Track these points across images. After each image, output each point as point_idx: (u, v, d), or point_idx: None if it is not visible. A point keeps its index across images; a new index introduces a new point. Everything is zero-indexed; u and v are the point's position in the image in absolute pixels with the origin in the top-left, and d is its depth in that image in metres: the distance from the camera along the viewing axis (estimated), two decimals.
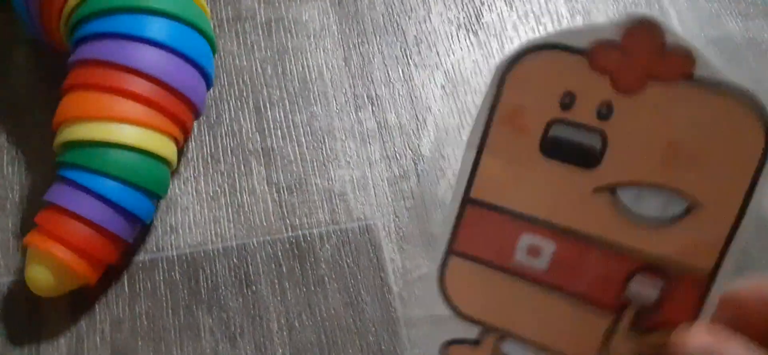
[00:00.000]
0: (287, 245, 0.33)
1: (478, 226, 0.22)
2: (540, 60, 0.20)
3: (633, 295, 0.21)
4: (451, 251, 0.22)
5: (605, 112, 0.20)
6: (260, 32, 0.39)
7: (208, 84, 0.33)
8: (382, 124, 0.37)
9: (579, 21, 0.42)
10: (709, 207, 0.20)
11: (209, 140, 0.36)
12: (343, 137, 0.37)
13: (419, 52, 0.40)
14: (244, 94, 0.37)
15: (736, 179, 0.20)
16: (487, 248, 0.22)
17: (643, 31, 0.19)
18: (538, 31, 0.42)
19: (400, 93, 0.38)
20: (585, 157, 0.20)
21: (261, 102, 0.37)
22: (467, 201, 0.22)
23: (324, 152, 0.36)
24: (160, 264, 0.32)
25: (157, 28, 0.31)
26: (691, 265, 0.20)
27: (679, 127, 0.20)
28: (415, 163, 0.36)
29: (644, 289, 0.21)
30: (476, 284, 0.22)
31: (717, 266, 0.20)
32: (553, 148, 0.21)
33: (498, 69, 0.21)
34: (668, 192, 0.20)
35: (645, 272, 0.21)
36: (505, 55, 0.20)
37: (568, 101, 0.20)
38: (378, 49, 0.40)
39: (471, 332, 0.22)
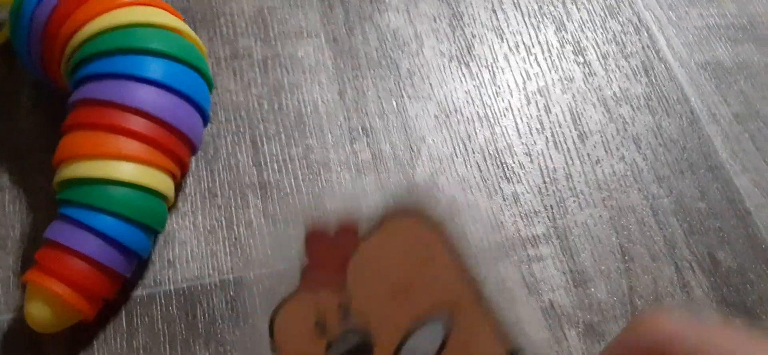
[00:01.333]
0: (284, 278, 0.34)
1: None
2: (283, 317, 0.24)
3: None
4: None
5: (345, 311, 0.23)
6: (257, 69, 0.40)
7: (205, 121, 0.34)
8: (377, 156, 0.38)
9: (569, 50, 0.43)
10: (458, 313, 0.22)
11: (207, 175, 0.36)
12: (339, 169, 0.37)
13: (412, 84, 0.41)
14: (241, 129, 0.38)
15: (452, 277, 0.22)
16: None
17: (316, 239, 0.23)
18: (529, 61, 0.42)
19: (394, 124, 0.39)
20: (363, 351, 0.23)
21: (258, 137, 0.38)
22: None
23: (320, 184, 0.37)
24: (158, 299, 0.33)
25: (154, 67, 0.32)
26: None
27: (386, 274, 0.23)
28: (409, 193, 0.37)
29: None
30: None
31: (510, 344, 0.22)
32: None
33: (268, 344, 0.24)
34: (425, 325, 0.23)
35: None
36: (265, 330, 0.24)
37: (320, 328, 0.23)
38: (372, 82, 0.40)
39: None
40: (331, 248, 0.23)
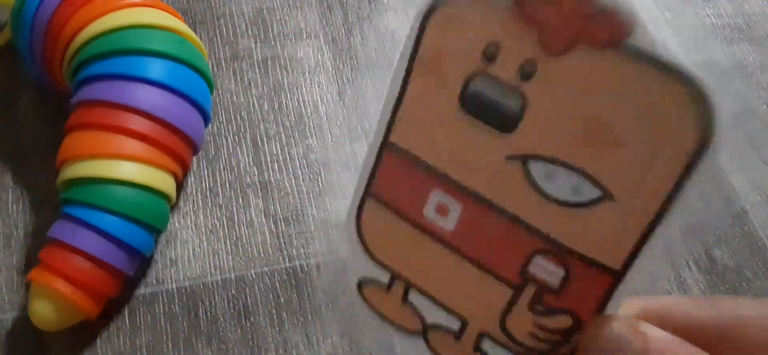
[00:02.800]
0: (285, 276, 0.34)
1: (394, 173, 0.21)
2: (464, 6, 0.18)
3: (533, 274, 0.19)
4: (368, 192, 0.21)
5: (528, 71, 0.18)
6: (257, 70, 0.40)
7: (206, 121, 0.34)
8: None
9: None
10: (623, 202, 0.18)
11: (208, 175, 0.37)
12: (339, 169, 0.38)
13: None
14: (242, 129, 0.38)
15: (659, 173, 0.17)
16: (400, 197, 0.21)
17: None
18: None
19: None
20: (501, 119, 0.19)
21: (258, 137, 0.38)
22: (386, 145, 0.20)
23: (320, 184, 0.37)
24: (161, 297, 0.33)
25: (156, 68, 0.32)
26: (597, 260, 0.19)
27: (603, 102, 0.17)
28: None
29: (543, 273, 0.19)
30: (388, 231, 0.21)
31: (626, 266, 0.18)
32: (472, 103, 0.19)
33: (420, 10, 0.19)
34: (581, 176, 0.18)
35: (547, 255, 0.19)
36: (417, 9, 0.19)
37: (491, 52, 0.18)
38: (371, 82, 0.41)
39: (383, 276, 0.22)
40: (584, 13, 0.17)
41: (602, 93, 0.17)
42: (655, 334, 0.18)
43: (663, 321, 0.19)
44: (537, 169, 0.19)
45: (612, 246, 0.18)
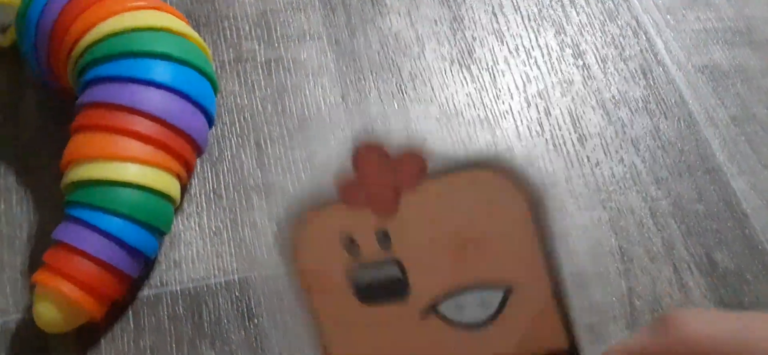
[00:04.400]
0: (289, 279, 0.34)
1: None
2: (308, 226, 0.20)
3: None
4: None
5: (383, 238, 0.20)
6: (260, 72, 0.40)
7: (211, 123, 0.34)
8: None
9: (568, 53, 0.44)
10: (520, 286, 0.19)
11: (212, 177, 0.37)
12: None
13: (414, 87, 0.41)
14: (246, 131, 0.38)
15: (525, 248, 0.19)
16: None
17: (370, 154, 0.19)
18: (529, 64, 0.43)
19: (396, 127, 0.39)
20: (394, 289, 0.20)
21: (262, 139, 0.38)
22: None
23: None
24: (164, 299, 0.33)
25: (161, 71, 0.32)
26: (548, 350, 0.20)
27: (448, 220, 0.19)
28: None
29: None
30: None
31: (572, 337, 0.19)
32: (365, 293, 0.20)
33: (282, 249, 0.21)
34: (479, 289, 0.20)
35: None
36: (278, 232, 0.21)
37: (349, 245, 0.20)
38: (374, 85, 0.41)
39: None
40: (387, 169, 0.19)
41: (445, 214, 0.19)
42: None
43: None
44: (447, 308, 0.20)
45: (548, 328, 0.20)
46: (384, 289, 0.20)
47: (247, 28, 0.42)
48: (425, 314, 0.20)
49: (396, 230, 0.20)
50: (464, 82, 0.42)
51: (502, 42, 0.44)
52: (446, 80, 0.42)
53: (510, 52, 0.43)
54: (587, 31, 0.45)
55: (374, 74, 0.41)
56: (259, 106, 0.39)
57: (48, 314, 0.29)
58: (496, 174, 0.19)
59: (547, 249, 0.19)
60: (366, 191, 0.20)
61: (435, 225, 0.20)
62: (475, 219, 0.19)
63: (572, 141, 0.40)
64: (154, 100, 0.32)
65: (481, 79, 0.42)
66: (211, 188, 0.36)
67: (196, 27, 0.41)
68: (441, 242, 0.20)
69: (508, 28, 0.44)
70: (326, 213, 0.20)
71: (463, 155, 0.19)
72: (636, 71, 0.44)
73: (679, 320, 0.19)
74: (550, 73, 0.43)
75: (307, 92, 0.40)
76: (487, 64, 0.43)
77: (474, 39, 0.43)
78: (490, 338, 0.20)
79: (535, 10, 0.45)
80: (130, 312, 0.32)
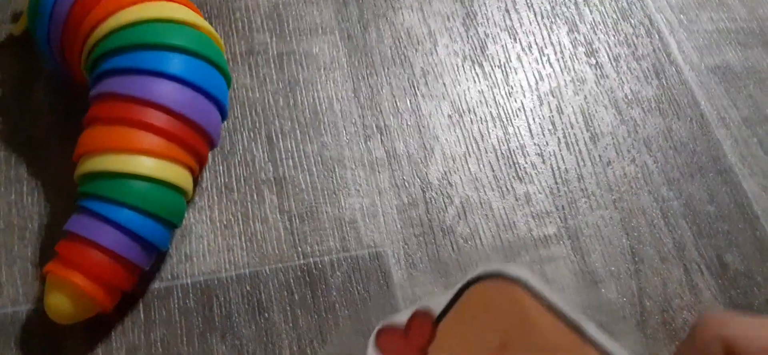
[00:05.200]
0: (299, 273, 0.34)
1: None
2: None
3: None
4: None
5: None
6: (272, 65, 0.40)
7: (224, 116, 0.34)
8: (391, 154, 0.38)
9: (581, 52, 0.43)
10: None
11: (223, 170, 0.36)
12: (353, 166, 0.38)
13: (426, 83, 0.41)
14: (257, 125, 0.38)
15: (542, 323, 0.22)
16: None
17: (387, 337, 0.23)
18: (542, 62, 0.43)
19: (408, 123, 0.39)
20: None
21: (273, 133, 0.38)
22: None
23: (334, 181, 0.37)
24: (175, 292, 0.33)
25: (175, 63, 0.32)
26: None
27: (473, 347, 0.22)
28: (423, 191, 0.37)
29: None
30: None
31: None
32: None
33: None
34: None
35: None
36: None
37: None
38: (386, 80, 0.41)
39: None
40: (405, 339, 0.23)
41: (469, 343, 0.22)
42: None
43: None
44: None
45: None
46: None
47: (259, 20, 0.42)
48: None
49: None
50: (476, 78, 0.42)
51: (515, 39, 0.43)
52: (458, 77, 0.41)
53: (523, 49, 0.43)
54: (600, 29, 0.45)
55: (386, 69, 0.41)
56: (271, 99, 0.39)
57: (59, 305, 0.29)
58: (485, 284, 0.22)
59: (563, 315, 0.22)
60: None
61: (468, 348, 0.23)
62: (498, 324, 0.22)
63: (584, 140, 0.40)
64: (167, 92, 0.32)
65: (493, 76, 0.42)
66: (222, 181, 0.36)
67: (208, 18, 0.41)
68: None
69: (520, 25, 0.44)
70: None
71: (452, 291, 0.22)
72: (649, 71, 0.43)
73: (714, 320, 0.20)
74: (562, 72, 0.43)
75: (319, 87, 0.40)
76: (500, 61, 0.42)
77: (487, 36, 0.43)
78: None
79: (548, 8, 0.45)
80: (141, 305, 0.32)
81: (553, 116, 0.41)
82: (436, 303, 0.23)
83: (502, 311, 0.22)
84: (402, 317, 0.23)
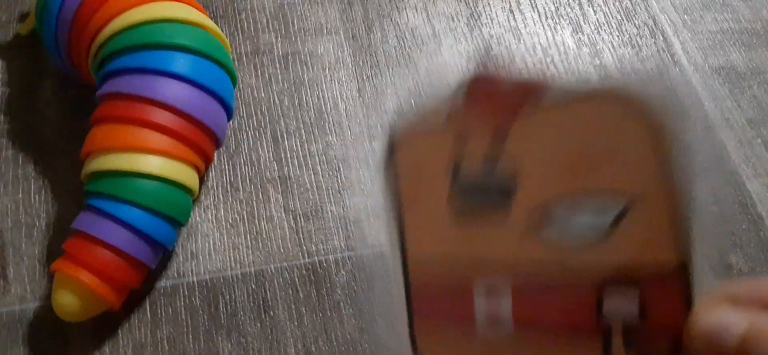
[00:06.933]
0: (304, 271, 0.34)
1: (429, 288, 0.21)
2: (415, 146, 0.20)
3: (612, 314, 0.19)
4: (412, 318, 0.22)
5: (492, 164, 0.20)
6: (277, 65, 0.40)
7: (229, 115, 0.35)
8: None
9: (585, 52, 0.43)
10: (640, 200, 0.19)
11: (229, 169, 0.37)
12: (358, 166, 0.38)
13: (430, 83, 0.41)
14: (262, 124, 0.38)
15: (645, 166, 0.19)
16: (447, 309, 0.21)
17: (483, 81, 0.20)
18: (545, 62, 0.43)
19: None
20: (500, 197, 0.20)
21: (278, 132, 0.38)
22: (408, 272, 0.21)
23: (339, 180, 0.37)
24: (181, 290, 0.33)
25: (181, 63, 0.32)
26: (655, 262, 0.19)
27: (563, 143, 0.19)
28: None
29: (620, 304, 0.19)
30: (451, 346, 0.21)
31: (683, 255, 0.19)
32: (468, 198, 0.20)
33: (381, 162, 0.21)
34: (597, 197, 0.19)
35: (614, 287, 0.19)
36: (381, 151, 0.21)
37: (456, 172, 0.20)
38: (391, 80, 0.41)
39: None
40: (501, 95, 0.19)
41: (561, 138, 0.19)
42: (757, 321, 0.18)
43: (752, 301, 0.18)
44: (558, 210, 0.19)
45: (658, 244, 0.19)
46: (489, 194, 0.20)
47: (264, 20, 0.42)
48: (530, 221, 0.20)
49: (507, 148, 0.20)
50: None
51: (520, 40, 0.43)
52: (463, 77, 0.42)
53: (526, 50, 0.43)
54: (604, 30, 0.45)
55: (390, 70, 0.41)
56: (276, 99, 0.39)
57: (67, 303, 0.30)
58: (615, 102, 0.19)
59: (667, 171, 0.19)
60: (475, 117, 0.19)
61: (547, 149, 0.19)
62: (593, 143, 0.19)
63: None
64: (174, 91, 0.32)
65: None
66: (228, 180, 0.36)
67: (214, 18, 0.41)
68: (554, 163, 0.19)
69: (525, 26, 0.44)
70: (435, 137, 0.20)
71: (582, 87, 0.19)
72: (653, 71, 0.43)
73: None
74: (566, 72, 0.43)
75: (324, 86, 0.40)
76: (504, 62, 0.42)
77: (491, 36, 0.43)
78: (603, 246, 0.19)
79: (553, 8, 0.45)
80: (148, 303, 0.33)
81: None
82: (553, 92, 0.19)
83: (609, 135, 0.19)
84: (508, 70, 0.20)
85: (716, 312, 0.18)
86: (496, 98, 0.19)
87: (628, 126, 0.19)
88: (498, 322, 0.20)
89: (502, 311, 0.20)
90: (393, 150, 0.21)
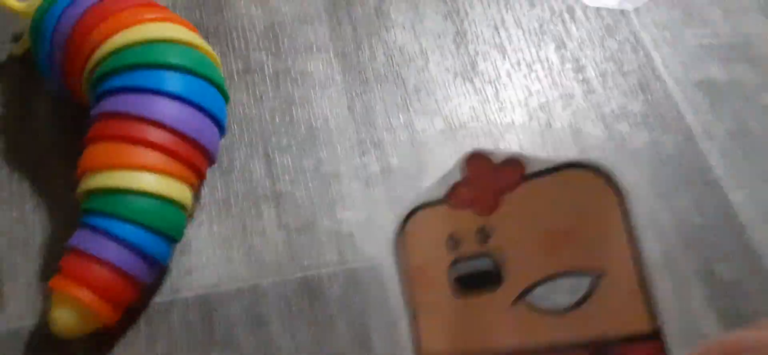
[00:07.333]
0: (297, 285, 0.35)
1: None
2: (417, 222, 0.24)
3: None
4: None
5: (483, 235, 0.23)
6: (269, 83, 0.41)
7: (222, 132, 0.35)
8: (386, 168, 0.39)
9: (569, 68, 0.45)
10: (609, 273, 0.21)
11: (222, 186, 0.37)
12: (349, 181, 0.38)
13: (419, 99, 0.42)
14: (255, 141, 0.39)
15: (614, 238, 0.21)
16: None
17: (477, 161, 0.23)
18: (530, 78, 0.44)
19: (402, 138, 0.40)
20: (489, 279, 0.23)
21: (270, 149, 0.39)
22: None
23: (331, 195, 0.38)
24: (177, 306, 0.34)
25: (174, 81, 0.33)
26: (629, 333, 0.21)
27: (543, 216, 0.22)
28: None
29: None
30: None
31: (655, 323, 0.21)
32: (461, 285, 0.24)
33: (391, 243, 0.25)
34: (569, 275, 0.22)
35: None
36: (390, 232, 0.24)
37: (454, 243, 0.24)
38: (380, 97, 0.42)
39: None
40: (492, 172, 0.22)
41: (540, 211, 0.22)
42: None
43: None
44: (537, 295, 0.22)
45: (632, 313, 0.21)
46: (479, 279, 0.23)
47: (255, 39, 0.43)
48: (516, 301, 0.22)
49: (494, 227, 0.23)
50: (468, 94, 0.43)
51: (505, 56, 0.45)
52: (450, 93, 0.43)
53: (512, 66, 0.44)
54: (587, 46, 0.46)
55: (379, 86, 0.42)
56: (268, 116, 0.40)
57: (64, 320, 0.30)
58: (588, 173, 0.21)
59: (635, 240, 0.21)
60: (470, 192, 0.23)
61: (531, 221, 0.22)
62: (568, 214, 0.22)
63: (574, 154, 0.41)
64: (167, 110, 0.32)
65: (484, 92, 0.43)
66: (221, 197, 0.37)
67: (206, 37, 0.42)
68: (536, 236, 0.22)
69: (510, 43, 0.45)
70: (435, 213, 0.24)
71: (559, 160, 0.22)
72: (635, 86, 0.45)
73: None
74: (551, 87, 0.44)
75: (315, 103, 0.41)
76: (490, 78, 0.43)
77: (477, 53, 0.44)
78: (578, 320, 0.22)
79: (537, 26, 0.46)
80: (144, 319, 0.33)
81: (542, 131, 0.42)
82: (533, 163, 0.22)
83: (585, 203, 0.22)
84: (499, 153, 0.23)
85: None
86: (491, 171, 0.23)
87: (597, 194, 0.21)
88: None
89: None
90: (404, 226, 0.25)
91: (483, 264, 0.23)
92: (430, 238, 0.24)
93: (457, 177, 0.24)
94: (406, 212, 0.24)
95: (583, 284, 0.22)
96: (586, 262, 0.22)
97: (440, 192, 0.24)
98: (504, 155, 0.23)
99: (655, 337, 0.21)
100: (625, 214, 0.21)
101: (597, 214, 0.22)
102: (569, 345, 0.22)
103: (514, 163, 0.22)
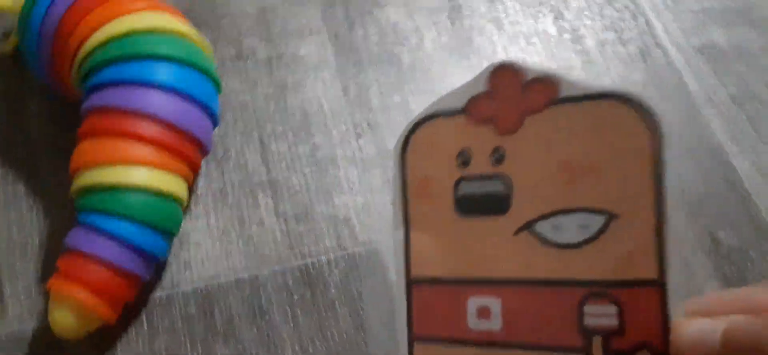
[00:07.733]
0: (297, 273, 0.35)
1: (427, 305, 0.22)
2: (429, 131, 0.22)
3: (592, 326, 0.20)
4: (412, 339, 0.23)
5: (498, 157, 0.21)
6: (261, 69, 0.40)
7: (214, 122, 0.35)
8: (382, 151, 0.39)
9: (567, 39, 0.44)
10: (624, 215, 0.20)
11: (217, 176, 0.37)
12: (345, 165, 0.38)
13: (414, 78, 0.41)
14: (249, 129, 0.38)
15: (637, 180, 0.19)
16: (442, 324, 0.22)
17: (505, 75, 0.20)
18: (528, 52, 0.43)
19: (398, 119, 0.40)
20: (495, 204, 0.21)
21: (265, 136, 0.38)
22: (411, 283, 0.23)
23: (327, 181, 0.37)
24: (177, 300, 0.33)
25: (163, 72, 0.32)
26: (636, 277, 0.20)
27: (565, 146, 0.20)
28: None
29: (599, 319, 0.20)
30: None
31: (662, 272, 0.19)
32: (466, 205, 0.22)
33: (396, 149, 0.22)
34: (581, 212, 0.20)
35: (594, 298, 0.20)
36: (399, 135, 0.22)
37: (464, 159, 0.22)
38: (374, 77, 0.41)
39: None
40: (519, 89, 0.20)
41: (561, 140, 0.20)
42: (733, 320, 0.19)
43: (722, 310, 0.19)
44: (544, 227, 0.21)
45: (638, 260, 0.20)
46: (485, 203, 0.21)
47: (246, 25, 0.42)
48: (519, 231, 0.21)
49: (511, 149, 0.21)
50: (464, 71, 0.42)
51: (501, 30, 0.44)
52: (446, 70, 0.42)
53: (508, 39, 0.43)
54: (586, 15, 0.45)
55: (374, 67, 0.41)
56: (262, 103, 0.39)
57: (63, 320, 0.30)
58: (623, 108, 0.19)
59: (659, 183, 0.19)
60: (492, 107, 0.21)
61: (551, 149, 0.20)
62: (593, 147, 0.20)
63: None
64: (158, 102, 0.32)
65: (480, 68, 0.42)
66: (217, 187, 0.37)
67: (196, 25, 0.41)
68: (554, 165, 0.20)
69: (506, 16, 0.44)
70: (449, 124, 0.21)
71: (595, 87, 0.20)
72: (635, 54, 0.44)
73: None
74: (549, 60, 0.43)
75: (309, 88, 0.40)
76: (486, 53, 0.43)
77: (472, 28, 0.44)
78: (582, 258, 0.20)
79: None
80: (144, 314, 0.33)
81: None
82: (567, 86, 0.20)
83: (614, 137, 0.20)
84: (530, 69, 0.20)
85: (695, 322, 0.19)
86: (519, 88, 0.20)
87: (630, 130, 0.19)
88: (490, 339, 0.21)
89: (493, 327, 0.21)
90: (408, 137, 0.22)
91: (492, 186, 0.21)
92: (440, 149, 0.22)
93: (480, 88, 0.21)
94: (419, 117, 0.22)
95: (594, 222, 0.20)
96: (601, 201, 0.20)
97: (459, 102, 0.21)
98: (535, 72, 0.20)
99: (655, 285, 0.19)
100: (656, 155, 0.19)
101: (624, 151, 0.19)
102: (567, 281, 0.20)
103: (546, 83, 0.20)
